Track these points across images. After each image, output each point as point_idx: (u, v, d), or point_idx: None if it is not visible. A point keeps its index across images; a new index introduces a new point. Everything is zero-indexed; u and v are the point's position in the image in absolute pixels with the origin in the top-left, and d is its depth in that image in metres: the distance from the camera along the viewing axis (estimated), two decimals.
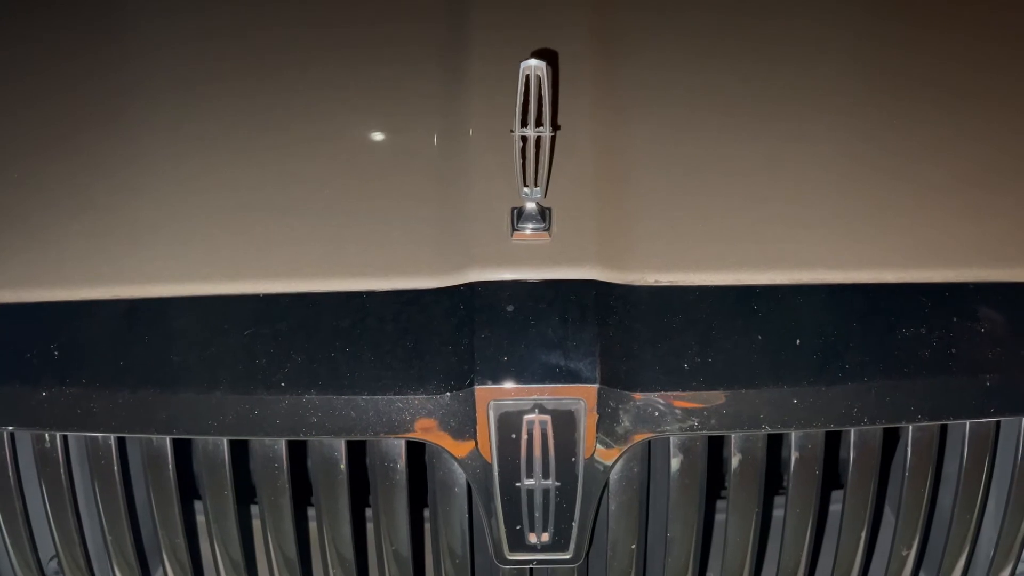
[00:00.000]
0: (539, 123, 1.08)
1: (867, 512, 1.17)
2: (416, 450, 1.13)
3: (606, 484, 1.11)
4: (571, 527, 1.12)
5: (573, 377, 1.06)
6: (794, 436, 1.11)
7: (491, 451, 1.08)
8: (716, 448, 1.19)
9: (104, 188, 1.27)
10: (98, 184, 1.27)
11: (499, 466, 1.08)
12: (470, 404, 1.06)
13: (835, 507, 1.30)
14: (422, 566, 1.26)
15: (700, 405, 1.07)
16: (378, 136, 1.35)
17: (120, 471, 1.15)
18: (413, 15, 1.51)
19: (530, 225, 1.15)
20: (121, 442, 1.16)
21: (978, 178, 1.26)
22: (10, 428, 1.13)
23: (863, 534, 1.19)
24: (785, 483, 1.16)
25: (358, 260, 1.15)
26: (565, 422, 1.07)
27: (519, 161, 1.11)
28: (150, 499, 1.16)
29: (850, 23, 1.55)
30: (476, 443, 1.08)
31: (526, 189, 1.13)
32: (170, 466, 1.13)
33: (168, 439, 1.12)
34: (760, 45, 1.47)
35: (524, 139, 1.09)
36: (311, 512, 1.21)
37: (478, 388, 1.06)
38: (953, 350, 1.10)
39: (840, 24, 1.54)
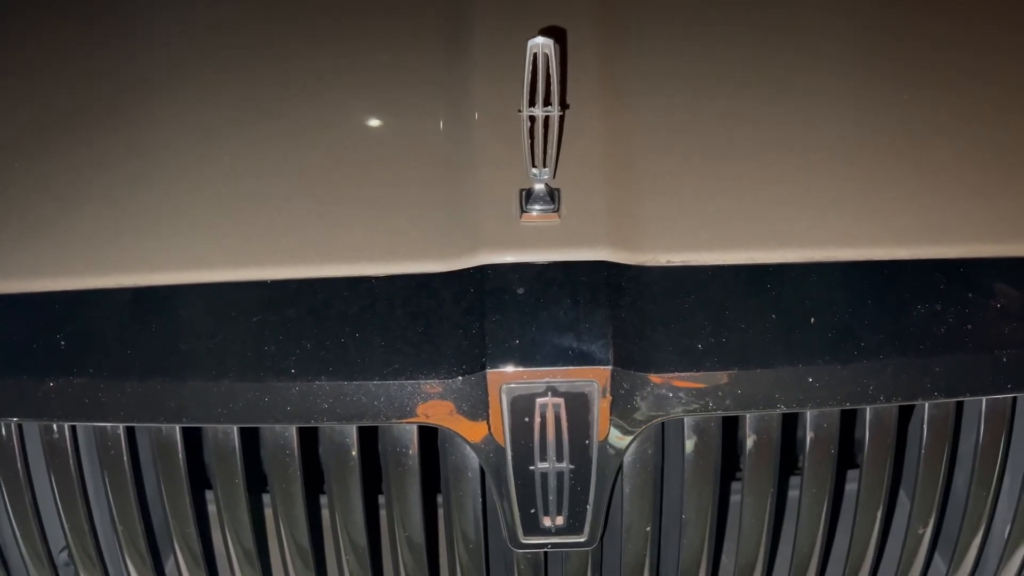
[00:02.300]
0: (547, 102, 1.07)
1: (883, 491, 1.16)
2: (428, 435, 1.12)
3: (620, 466, 1.10)
4: (585, 510, 1.11)
5: (586, 359, 1.05)
6: (809, 415, 1.11)
7: (504, 435, 1.07)
8: (731, 429, 1.19)
9: (107, 178, 1.26)
10: (101, 175, 1.26)
11: (512, 450, 1.08)
12: (482, 388, 1.05)
13: (850, 487, 1.29)
14: (436, 552, 1.26)
15: (714, 385, 1.06)
16: (383, 122, 1.34)
17: (130, 461, 1.14)
18: (415, 1, 1.50)
19: (539, 206, 1.14)
20: (130, 432, 1.15)
21: (986, 158, 1.25)
22: (18, 419, 1.12)
23: (879, 513, 1.18)
24: (800, 463, 1.15)
25: (366, 245, 1.14)
26: (578, 405, 1.06)
27: (527, 141, 1.10)
28: (160, 489, 1.15)
29: (856, 7, 1.54)
30: (489, 427, 1.07)
31: (534, 170, 1.12)
32: (180, 455, 1.13)
33: (178, 428, 1.11)
34: (766, 28, 1.46)
35: (532, 119, 1.08)
36: (323, 500, 1.20)
37: (490, 372, 1.05)
38: (969, 326, 1.09)
39: (846, 8, 1.53)
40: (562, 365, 1.05)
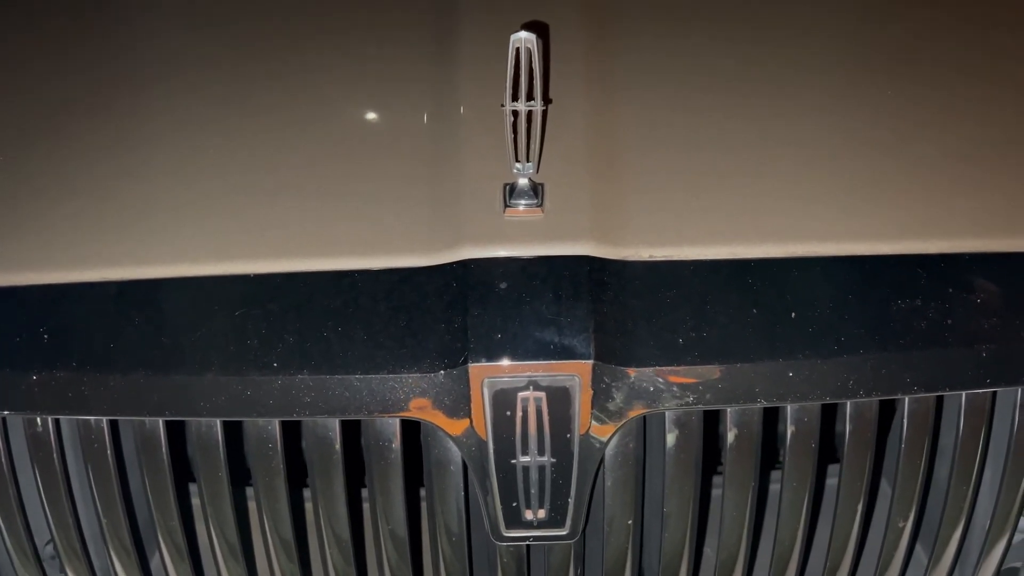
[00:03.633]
0: (530, 97, 1.07)
1: (863, 484, 1.17)
2: (411, 429, 1.13)
3: (602, 460, 1.11)
4: (567, 503, 1.12)
5: (567, 353, 1.05)
6: (790, 409, 1.11)
7: (486, 429, 1.07)
8: (712, 423, 1.19)
9: (92, 172, 1.25)
10: (86, 168, 1.26)
11: (494, 443, 1.08)
12: (464, 382, 1.06)
13: (831, 480, 1.30)
14: (419, 545, 1.26)
15: (695, 380, 1.06)
16: (368, 116, 1.34)
17: (114, 454, 1.14)
18: None
19: (522, 201, 1.14)
20: (114, 425, 1.15)
21: (970, 152, 1.26)
22: (1, 412, 1.12)
23: (859, 507, 1.18)
24: (781, 457, 1.15)
25: (349, 239, 1.14)
26: (560, 399, 1.07)
27: (511, 136, 1.10)
28: (144, 482, 1.15)
29: (842, 1, 1.54)
30: (471, 421, 1.07)
31: (518, 164, 1.12)
32: (164, 449, 1.13)
33: (161, 421, 1.12)
34: (751, 23, 1.46)
35: (515, 113, 1.08)
36: (307, 493, 1.20)
37: (472, 366, 1.05)
38: (949, 321, 1.09)
39: (832, 3, 1.53)
40: (544, 359, 1.05)
